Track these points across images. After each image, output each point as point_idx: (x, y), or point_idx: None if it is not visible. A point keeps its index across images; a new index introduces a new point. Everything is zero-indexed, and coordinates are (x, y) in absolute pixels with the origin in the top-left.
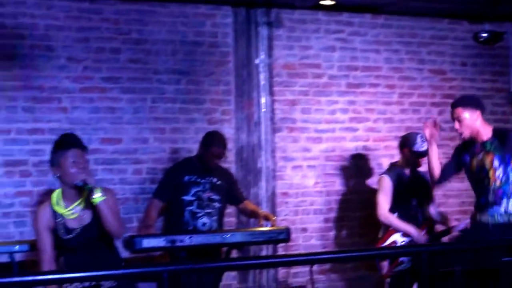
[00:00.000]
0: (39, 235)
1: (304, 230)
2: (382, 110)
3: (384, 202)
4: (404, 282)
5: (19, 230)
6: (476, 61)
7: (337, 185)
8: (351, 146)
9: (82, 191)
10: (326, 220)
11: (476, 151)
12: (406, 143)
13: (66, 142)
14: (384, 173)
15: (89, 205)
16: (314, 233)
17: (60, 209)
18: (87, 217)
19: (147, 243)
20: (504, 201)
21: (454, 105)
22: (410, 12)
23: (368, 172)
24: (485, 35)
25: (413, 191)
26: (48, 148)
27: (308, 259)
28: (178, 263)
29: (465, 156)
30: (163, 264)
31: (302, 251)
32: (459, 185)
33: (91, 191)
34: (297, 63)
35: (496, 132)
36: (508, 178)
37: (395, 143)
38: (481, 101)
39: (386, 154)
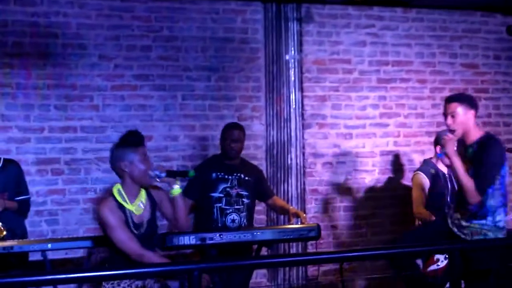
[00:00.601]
0: (117, 229)
1: (334, 227)
2: (413, 105)
3: (420, 199)
4: (437, 281)
5: (51, 228)
6: (510, 55)
7: (367, 181)
8: (381, 142)
9: (141, 187)
10: (356, 217)
11: (459, 153)
12: (439, 141)
13: (136, 140)
14: (418, 169)
15: (148, 200)
16: (344, 230)
17: (127, 205)
18: (147, 212)
19: (178, 240)
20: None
21: (449, 100)
22: (442, 5)
23: (399, 168)
24: None
25: (446, 188)
26: (80, 145)
27: (338, 257)
28: (208, 261)
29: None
30: (194, 262)
31: (332, 249)
32: None
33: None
34: (327, 58)
35: (482, 138)
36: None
37: (426, 139)
38: (476, 102)
39: (417, 150)
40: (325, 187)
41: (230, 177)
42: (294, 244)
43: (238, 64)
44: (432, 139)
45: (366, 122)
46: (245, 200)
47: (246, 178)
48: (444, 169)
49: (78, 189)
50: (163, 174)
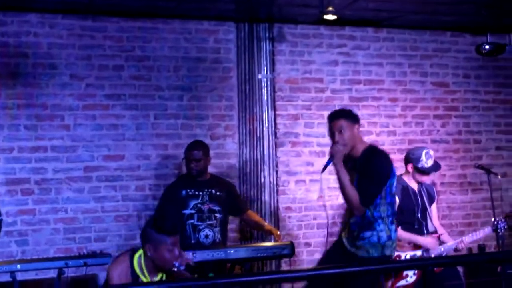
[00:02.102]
0: None
1: (308, 244)
2: (385, 123)
3: None
4: None
5: (21, 248)
6: (479, 73)
7: (341, 198)
8: None
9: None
10: (330, 235)
11: (349, 167)
12: (410, 159)
13: (170, 230)
14: None
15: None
16: (318, 248)
17: (143, 277)
18: None
19: None
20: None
21: (334, 117)
22: (412, 25)
23: None
24: (487, 47)
25: (417, 204)
26: (50, 165)
27: (312, 275)
28: (181, 280)
29: None
30: (166, 281)
31: (306, 266)
32: (462, 197)
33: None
34: (300, 77)
35: (366, 150)
36: None
37: (398, 156)
38: (358, 115)
39: None
40: (299, 205)
41: (201, 193)
42: (268, 262)
43: (210, 83)
44: (404, 156)
45: None
46: (218, 215)
47: (218, 193)
48: (414, 186)
49: (49, 209)
50: (182, 267)
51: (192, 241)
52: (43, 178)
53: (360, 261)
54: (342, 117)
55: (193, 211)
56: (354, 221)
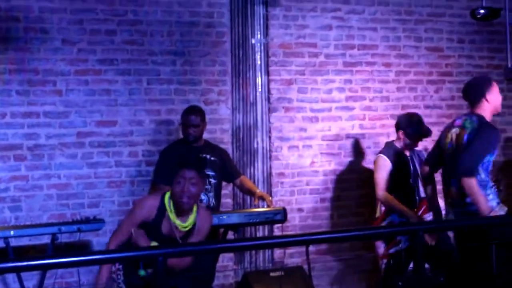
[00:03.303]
0: (130, 219)
1: (300, 210)
2: (379, 89)
3: (382, 182)
4: (401, 262)
5: (14, 214)
6: (474, 38)
7: (333, 164)
8: (347, 125)
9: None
10: (322, 200)
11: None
12: (400, 125)
13: (183, 162)
14: (381, 152)
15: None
16: (310, 213)
17: (171, 214)
18: (184, 233)
19: None
20: None
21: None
22: None
23: (364, 151)
24: (482, 11)
25: (409, 170)
26: (43, 131)
27: (304, 240)
28: (174, 246)
29: None
30: (159, 247)
31: (298, 232)
32: None
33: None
34: (293, 42)
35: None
36: None
37: (392, 122)
38: None
39: (382, 133)
40: (291, 171)
41: None
42: (261, 227)
43: (204, 48)
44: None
45: (332, 105)
46: (212, 180)
47: (212, 158)
48: (406, 151)
49: (42, 175)
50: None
51: None
52: (35, 144)
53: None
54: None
55: None
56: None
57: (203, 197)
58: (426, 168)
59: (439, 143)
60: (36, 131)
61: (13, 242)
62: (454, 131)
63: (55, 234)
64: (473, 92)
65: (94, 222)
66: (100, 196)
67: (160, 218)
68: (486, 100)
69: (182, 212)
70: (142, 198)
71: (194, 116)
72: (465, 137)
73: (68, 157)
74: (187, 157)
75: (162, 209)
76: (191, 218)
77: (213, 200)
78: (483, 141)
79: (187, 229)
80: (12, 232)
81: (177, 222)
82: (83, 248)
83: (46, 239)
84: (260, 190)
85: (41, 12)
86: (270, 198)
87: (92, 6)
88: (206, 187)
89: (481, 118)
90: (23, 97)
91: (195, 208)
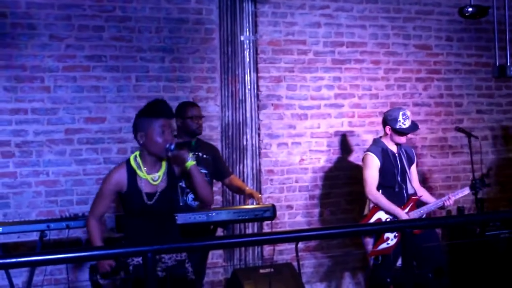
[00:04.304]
0: (102, 194)
1: (290, 207)
2: (367, 86)
3: (371, 180)
4: (389, 259)
5: (2, 211)
6: (462, 36)
7: (322, 161)
8: (336, 122)
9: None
10: (312, 197)
11: None
12: (387, 121)
13: (157, 111)
14: (369, 150)
15: (167, 172)
16: (300, 210)
17: (141, 173)
18: (164, 183)
19: None
20: None
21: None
22: None
23: (353, 148)
24: (470, 9)
25: (396, 167)
26: (31, 128)
27: (294, 237)
28: (163, 242)
29: None
30: (148, 243)
31: (288, 229)
32: (443, 160)
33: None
34: (282, 39)
35: None
36: None
37: (380, 119)
38: None
39: (371, 130)
40: (281, 168)
41: None
42: (250, 224)
43: (192, 45)
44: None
45: (321, 102)
46: (205, 178)
47: (204, 156)
48: (394, 148)
49: (30, 172)
50: (173, 146)
51: (180, 204)
52: (23, 141)
53: None
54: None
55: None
56: None
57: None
58: None
59: None
60: (24, 127)
61: (1, 239)
62: None
63: (44, 231)
64: None
65: (82, 219)
66: (88, 193)
67: (134, 183)
68: None
69: (158, 163)
70: (107, 174)
71: (196, 107)
72: None
73: (56, 154)
74: (159, 106)
75: (132, 173)
76: (163, 165)
77: None
78: None
79: (160, 178)
80: (0, 229)
81: (149, 177)
82: (71, 245)
83: (34, 236)
84: (249, 187)
85: (29, 8)
86: (260, 195)
87: (80, 2)
88: None
89: None
90: (10, 94)
91: None
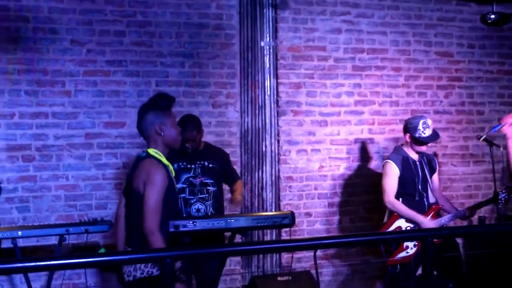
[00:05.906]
0: (160, 192)
1: (308, 214)
2: (388, 93)
3: (390, 188)
4: (409, 268)
5: (22, 215)
6: (484, 43)
7: (342, 169)
8: (356, 129)
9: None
10: (331, 205)
11: None
12: (408, 129)
13: (168, 104)
14: (389, 158)
15: None
16: (318, 218)
17: (171, 167)
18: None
19: None
20: None
21: None
22: None
23: (373, 156)
24: (493, 16)
25: (417, 175)
26: (51, 132)
27: (312, 244)
28: (181, 249)
29: None
30: (167, 249)
31: (306, 236)
32: (464, 169)
33: None
34: (303, 45)
35: None
36: None
37: (400, 127)
38: None
39: (391, 138)
40: (300, 175)
41: (193, 166)
42: (268, 231)
43: (212, 50)
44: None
45: (341, 109)
46: (211, 188)
47: (211, 165)
48: (415, 156)
49: (50, 176)
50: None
51: (184, 215)
52: (44, 145)
53: None
54: None
55: (184, 185)
56: None
57: (200, 206)
58: None
59: None
60: (45, 131)
61: (21, 243)
62: None
63: (63, 235)
64: None
65: (101, 224)
66: (107, 197)
67: (170, 176)
68: None
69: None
70: (154, 172)
71: (189, 131)
72: None
73: (76, 158)
74: (165, 98)
75: (165, 167)
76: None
77: (211, 209)
78: None
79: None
80: (19, 233)
81: (171, 167)
82: (90, 250)
83: (53, 240)
84: (239, 193)
85: (51, 13)
86: (238, 198)
87: (101, 7)
88: (203, 196)
89: None
90: (32, 98)
91: None
